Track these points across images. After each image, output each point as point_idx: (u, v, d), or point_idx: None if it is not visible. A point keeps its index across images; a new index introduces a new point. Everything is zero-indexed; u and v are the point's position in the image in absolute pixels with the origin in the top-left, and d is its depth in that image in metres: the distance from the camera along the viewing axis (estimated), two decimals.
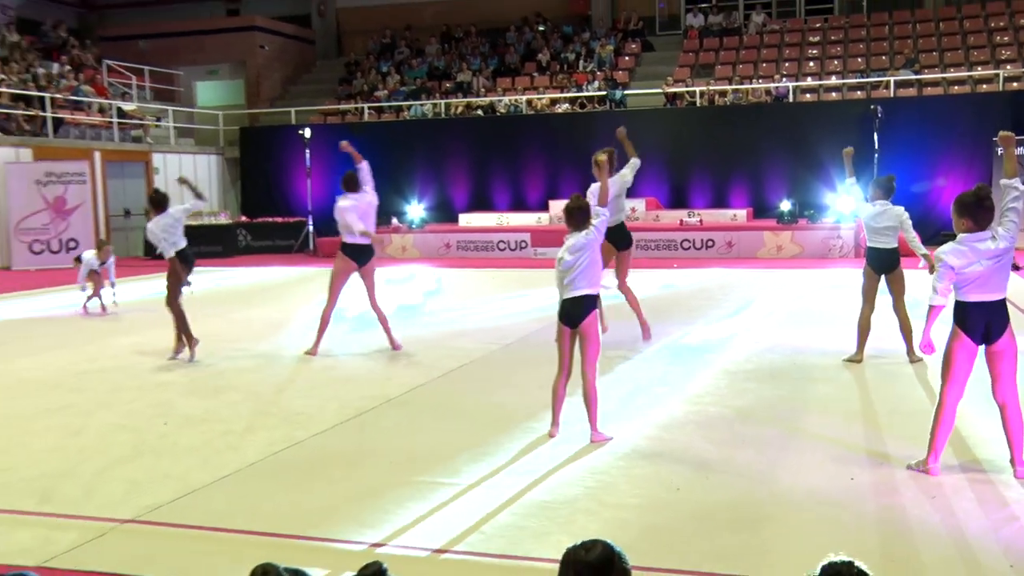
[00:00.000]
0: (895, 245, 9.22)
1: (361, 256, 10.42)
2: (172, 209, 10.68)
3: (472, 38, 30.55)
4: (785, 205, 22.01)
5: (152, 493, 5.92)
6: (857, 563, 2.35)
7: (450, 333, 11.85)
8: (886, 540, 4.99)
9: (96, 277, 14.17)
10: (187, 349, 10.43)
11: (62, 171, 22.60)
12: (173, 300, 10.44)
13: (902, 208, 9.20)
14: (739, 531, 5.12)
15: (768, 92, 24.97)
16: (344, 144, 11.15)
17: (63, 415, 8.06)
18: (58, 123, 24.48)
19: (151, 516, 5.53)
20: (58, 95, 24.99)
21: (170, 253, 10.42)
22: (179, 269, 10.45)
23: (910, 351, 9.28)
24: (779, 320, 12.40)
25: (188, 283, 10.66)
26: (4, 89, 23.63)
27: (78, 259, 14.58)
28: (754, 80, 25.81)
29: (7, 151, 22.52)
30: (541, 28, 29.86)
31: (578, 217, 6.75)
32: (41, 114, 24.06)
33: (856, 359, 9.42)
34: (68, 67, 27.39)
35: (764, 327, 11.85)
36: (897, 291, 9.30)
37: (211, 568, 4.77)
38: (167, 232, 10.41)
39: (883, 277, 9.30)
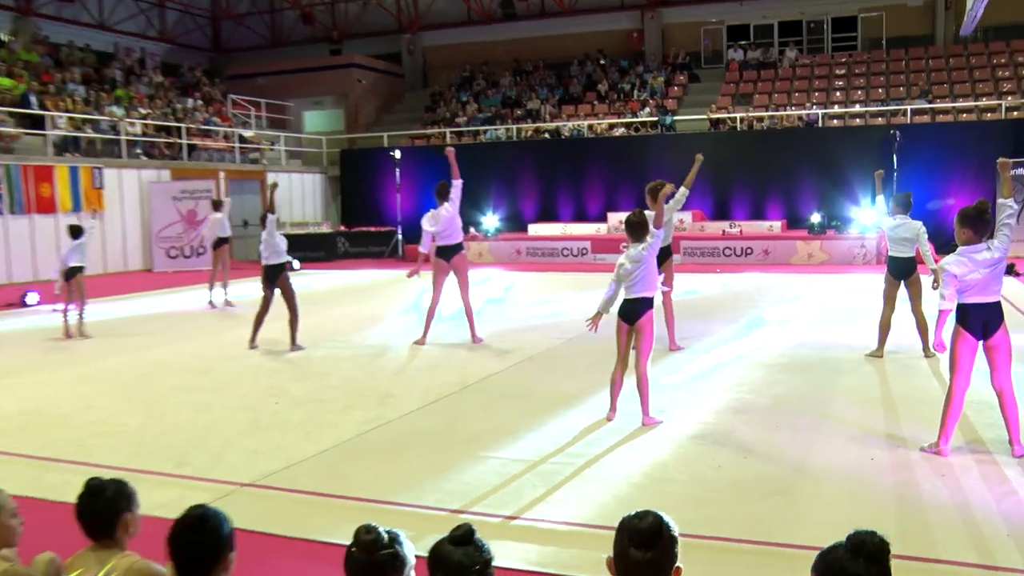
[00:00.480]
0: (912, 254, 9.15)
1: (448, 254, 10.52)
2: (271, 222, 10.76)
3: (540, 71, 30.52)
4: (815, 217, 21.87)
5: (266, 462, 6.03)
6: (879, 533, 2.33)
7: (520, 328, 11.86)
8: (902, 512, 4.91)
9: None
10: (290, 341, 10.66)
11: (193, 188, 23.08)
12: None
13: (920, 223, 9.12)
14: (772, 504, 5.08)
15: (800, 118, 24.70)
16: (449, 152, 11.12)
17: (194, 394, 8.24)
18: (191, 148, 25.04)
19: (265, 481, 5.64)
20: (192, 125, 25.57)
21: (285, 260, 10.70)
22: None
23: (925, 347, 9.13)
24: (809, 319, 12.21)
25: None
26: (150, 121, 24.24)
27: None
28: (787, 108, 25.52)
29: (150, 173, 23.09)
30: (601, 62, 29.75)
31: (638, 230, 6.75)
32: (178, 141, 24.63)
33: (877, 354, 9.27)
34: (200, 102, 28.00)
35: (796, 325, 11.68)
36: (914, 294, 9.19)
37: (313, 527, 4.83)
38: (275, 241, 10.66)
39: (902, 282, 9.20)
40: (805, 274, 18.16)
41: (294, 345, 10.51)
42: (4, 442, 6.69)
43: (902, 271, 9.18)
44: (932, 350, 6.85)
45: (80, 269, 11.96)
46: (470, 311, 10.73)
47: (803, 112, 24.83)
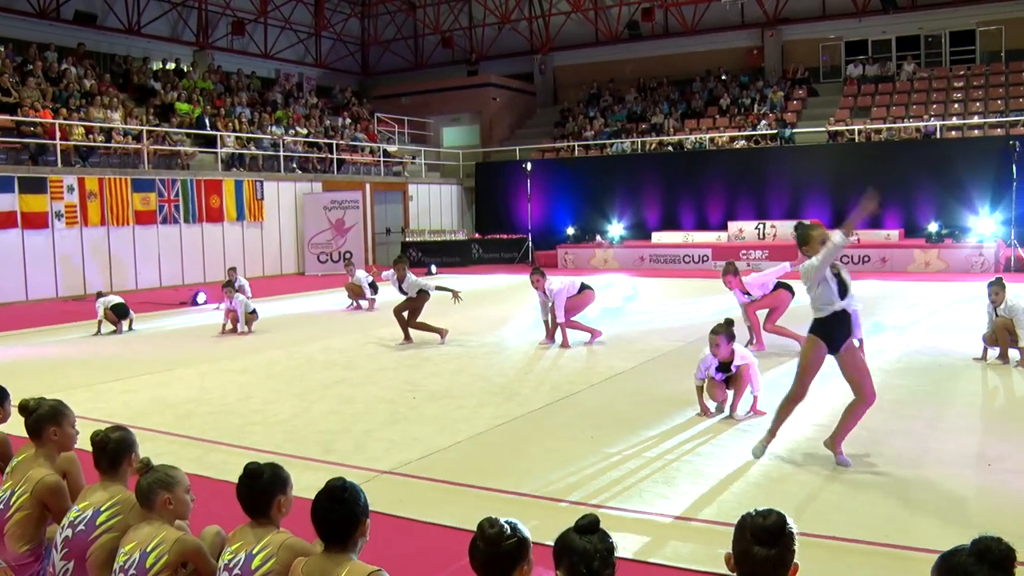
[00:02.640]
0: None
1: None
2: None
3: (664, 87, 30.16)
4: (932, 227, 21.01)
5: (404, 451, 6.11)
6: (1004, 539, 2.18)
7: (643, 331, 11.70)
8: (1020, 517, 4.58)
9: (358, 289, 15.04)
10: (438, 336, 11.07)
11: (342, 199, 23.80)
12: (398, 311, 11.25)
13: None
14: (889, 506, 4.83)
15: (918, 130, 23.65)
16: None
17: (340, 387, 8.45)
18: (340, 163, 25.84)
19: (403, 469, 5.71)
20: (342, 142, 26.41)
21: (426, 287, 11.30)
22: (424, 297, 11.25)
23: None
24: (927, 326, 11.63)
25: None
26: (304, 139, 25.18)
27: (349, 264, 15.71)
28: (906, 120, 24.44)
29: (304, 185, 23.95)
30: (722, 78, 29.18)
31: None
32: (329, 156, 25.46)
33: (998, 361, 8.75)
34: (349, 120, 28.87)
35: (913, 331, 11.15)
36: None
37: (447, 513, 4.86)
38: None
39: None
40: (922, 282, 17.32)
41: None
42: (174, 423, 7.04)
43: None
44: None
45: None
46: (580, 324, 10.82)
47: (921, 124, 23.71)
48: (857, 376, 5.56)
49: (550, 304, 10.57)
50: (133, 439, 3.75)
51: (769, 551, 2.41)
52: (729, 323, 6.90)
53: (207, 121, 22.72)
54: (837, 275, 5.43)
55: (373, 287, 15.16)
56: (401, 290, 11.24)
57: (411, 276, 11.21)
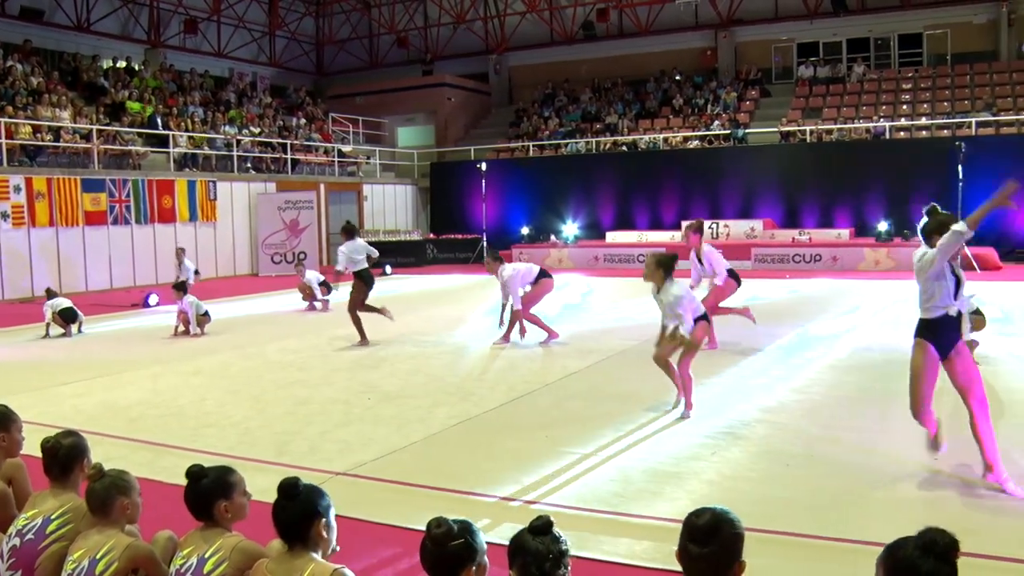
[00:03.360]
0: None
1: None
2: (360, 240, 11.19)
3: (619, 87, 30.35)
4: (882, 226, 21.38)
5: (359, 452, 6.09)
6: (949, 531, 2.24)
7: (598, 331, 11.78)
8: (966, 510, 4.67)
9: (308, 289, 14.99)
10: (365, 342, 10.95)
11: (296, 199, 23.60)
12: (352, 308, 11.09)
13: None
14: (841, 502, 4.92)
15: (868, 131, 24.09)
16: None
17: (294, 388, 8.40)
18: (295, 163, 25.62)
19: (358, 471, 5.69)
20: (296, 142, 26.18)
21: (343, 268, 11.03)
22: (361, 286, 11.02)
23: None
24: (877, 323, 11.85)
25: (333, 288, 11.33)
26: (258, 139, 24.92)
27: (299, 264, 15.68)
28: (856, 120, 24.92)
29: (258, 185, 23.72)
30: (676, 78, 29.43)
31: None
32: (283, 156, 25.23)
33: None
34: (304, 120, 28.64)
35: (864, 329, 11.35)
36: None
37: (400, 513, 4.85)
38: (354, 253, 10.86)
39: None
40: (872, 280, 17.66)
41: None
42: (125, 427, 6.92)
43: None
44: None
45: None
46: (540, 321, 10.87)
47: (871, 124, 24.19)
48: (966, 382, 4.94)
49: (509, 298, 10.56)
50: (85, 445, 3.68)
51: (703, 549, 2.46)
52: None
53: (159, 120, 22.36)
54: (954, 271, 4.84)
55: (326, 287, 15.06)
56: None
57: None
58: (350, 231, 11.16)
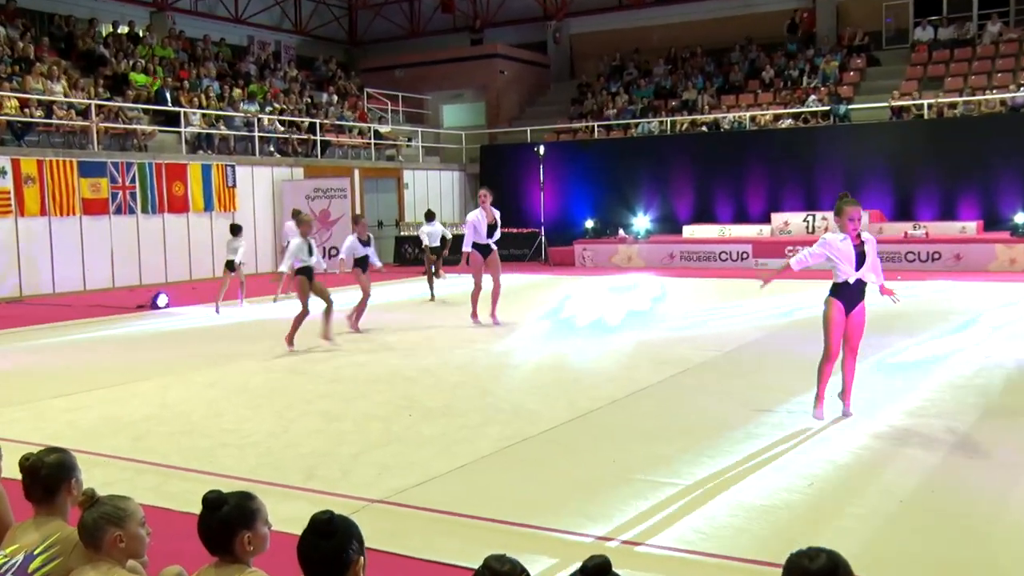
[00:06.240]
0: None
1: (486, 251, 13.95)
2: (438, 225, 12.81)
3: (697, 58, 30.15)
4: (1020, 217, 20.79)
5: (398, 477, 6.08)
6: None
7: (673, 339, 11.67)
8: None
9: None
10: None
11: (327, 187, 23.83)
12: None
13: None
14: (964, 548, 4.76)
15: (1003, 103, 23.42)
16: None
17: (325, 402, 8.44)
18: (325, 145, 25.85)
19: (397, 498, 5.68)
20: (326, 121, 26.39)
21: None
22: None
23: None
24: (1010, 334, 11.53)
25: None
26: (283, 117, 25.16)
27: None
28: (988, 91, 24.21)
29: (283, 171, 23.98)
30: (766, 46, 29.10)
31: None
32: (312, 138, 25.47)
33: None
34: (335, 96, 28.89)
35: (994, 341, 11.04)
36: None
37: (446, 549, 4.82)
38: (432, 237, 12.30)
39: None
40: (1006, 283, 17.21)
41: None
42: (129, 447, 7.01)
43: None
44: None
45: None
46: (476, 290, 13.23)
47: (1007, 96, 23.49)
48: None
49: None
50: (73, 462, 3.62)
51: None
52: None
53: (168, 95, 22.72)
54: None
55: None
56: None
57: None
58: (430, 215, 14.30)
